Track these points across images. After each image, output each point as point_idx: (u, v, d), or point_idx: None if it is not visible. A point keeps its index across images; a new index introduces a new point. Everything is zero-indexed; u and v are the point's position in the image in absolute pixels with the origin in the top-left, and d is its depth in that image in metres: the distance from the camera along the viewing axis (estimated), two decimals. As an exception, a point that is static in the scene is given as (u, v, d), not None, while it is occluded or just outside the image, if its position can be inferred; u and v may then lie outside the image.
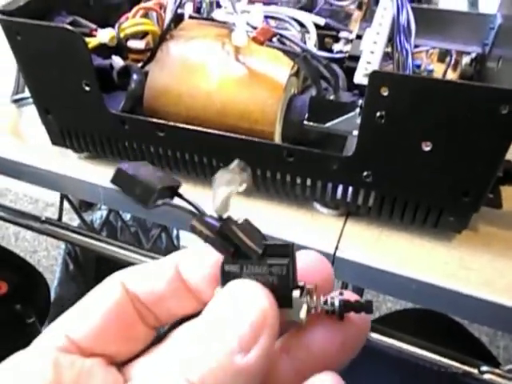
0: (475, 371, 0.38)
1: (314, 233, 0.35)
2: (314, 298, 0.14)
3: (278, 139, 0.34)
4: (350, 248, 0.33)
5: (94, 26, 0.36)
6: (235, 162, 0.15)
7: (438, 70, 0.43)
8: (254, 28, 0.32)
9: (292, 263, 0.14)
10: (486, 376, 0.37)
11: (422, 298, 0.33)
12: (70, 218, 1.12)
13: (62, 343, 0.13)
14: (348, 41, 0.37)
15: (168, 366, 0.12)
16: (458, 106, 0.26)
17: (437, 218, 0.31)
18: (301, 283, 0.14)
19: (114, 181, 0.15)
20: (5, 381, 0.12)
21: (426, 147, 0.28)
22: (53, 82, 0.35)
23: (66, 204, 0.62)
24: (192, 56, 0.34)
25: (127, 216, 1.04)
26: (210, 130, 0.33)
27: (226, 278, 0.14)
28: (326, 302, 0.14)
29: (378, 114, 0.27)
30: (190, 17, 0.40)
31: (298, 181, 0.34)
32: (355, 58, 0.33)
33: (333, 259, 0.33)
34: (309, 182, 0.33)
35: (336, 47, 0.37)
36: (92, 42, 0.35)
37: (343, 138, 0.33)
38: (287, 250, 0.14)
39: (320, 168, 0.32)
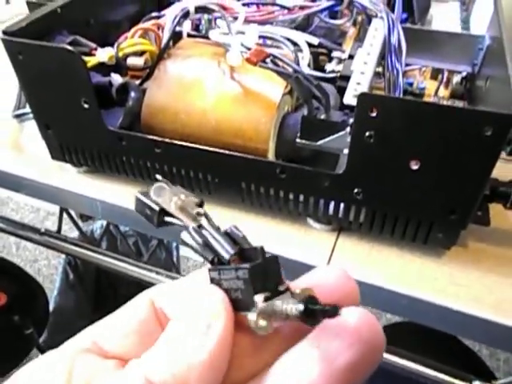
0: (467, 386, 0.38)
1: (306, 247, 0.35)
2: (278, 302, 0.13)
3: (271, 156, 0.35)
4: (341, 263, 0.34)
5: (93, 45, 0.37)
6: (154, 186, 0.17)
7: (430, 88, 0.44)
8: (249, 48, 0.33)
9: (258, 266, 0.14)
10: (478, 391, 0.38)
11: (413, 313, 0.34)
12: (71, 228, 1.13)
13: (87, 346, 0.14)
14: (340, 60, 0.38)
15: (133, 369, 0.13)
16: (444, 128, 0.27)
17: (426, 234, 0.32)
18: (283, 287, 0.14)
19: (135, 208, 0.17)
20: (24, 373, 0.14)
21: (414, 166, 0.29)
22: (53, 99, 0.36)
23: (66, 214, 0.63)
24: (188, 74, 0.35)
25: (126, 227, 1.04)
26: (205, 147, 0.34)
27: (211, 283, 0.15)
28: (287, 309, 0.13)
29: (367, 133, 0.28)
30: (189, 35, 0.41)
31: (291, 197, 0.34)
32: (346, 78, 0.34)
33: (325, 274, 0.34)
34: (301, 198, 0.34)
35: (329, 67, 0.38)
36: (92, 61, 0.36)
37: (335, 156, 0.34)
38: (257, 254, 0.15)
39: (312, 185, 0.33)
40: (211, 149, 0.34)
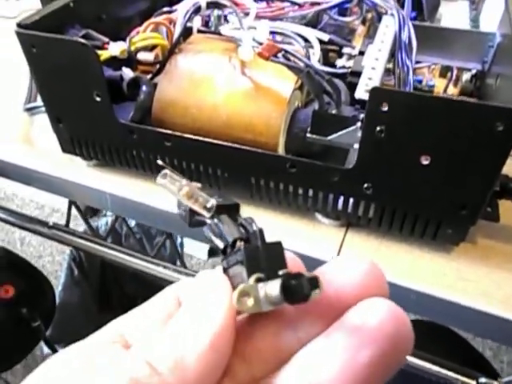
0: (473, 382, 0.38)
1: (315, 243, 0.35)
2: (269, 284, 0.13)
3: (281, 151, 0.35)
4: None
5: (106, 39, 0.37)
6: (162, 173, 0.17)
7: (439, 85, 0.44)
8: (260, 43, 0.33)
9: (255, 247, 0.14)
10: (484, 388, 0.38)
11: (421, 309, 0.34)
12: (76, 224, 1.13)
13: (113, 339, 0.14)
14: (351, 56, 0.38)
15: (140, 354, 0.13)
16: (456, 123, 0.27)
17: (435, 230, 0.32)
18: (283, 271, 0.14)
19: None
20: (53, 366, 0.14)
21: (425, 161, 0.29)
22: (65, 92, 0.36)
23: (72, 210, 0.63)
24: (199, 69, 0.36)
25: (132, 223, 1.05)
26: (215, 141, 0.34)
27: (224, 272, 0.15)
28: (269, 288, 0.13)
29: (378, 128, 0.28)
30: (199, 31, 0.41)
31: (300, 191, 0.35)
32: (357, 74, 0.34)
33: (333, 269, 0.34)
34: (311, 192, 0.34)
35: (339, 62, 0.38)
36: (103, 55, 0.36)
37: (345, 151, 0.34)
38: (256, 237, 0.15)
39: (322, 179, 0.33)
40: (221, 143, 0.34)
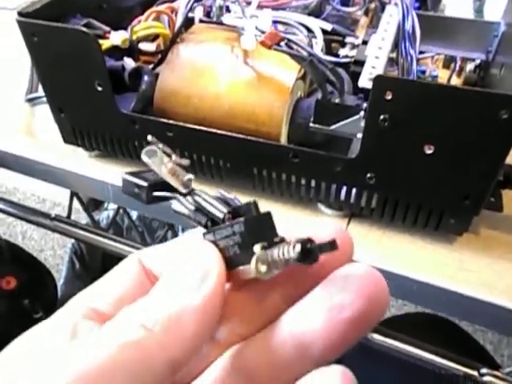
0: (475, 373, 0.38)
1: (317, 233, 0.35)
2: (275, 250, 0.14)
3: (284, 141, 0.35)
4: (352, 248, 0.34)
5: (107, 29, 0.37)
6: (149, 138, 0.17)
7: (442, 76, 0.44)
8: (263, 32, 0.33)
9: (253, 219, 0.14)
10: (486, 378, 0.38)
11: (423, 299, 0.34)
12: (78, 217, 1.13)
13: (83, 312, 0.14)
14: (354, 46, 0.38)
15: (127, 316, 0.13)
16: (460, 111, 0.27)
17: (438, 220, 0.32)
18: (277, 238, 0.14)
19: (123, 190, 0.17)
20: (21, 345, 0.13)
21: (428, 150, 0.29)
22: (67, 81, 0.36)
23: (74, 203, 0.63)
24: (201, 59, 0.35)
25: (133, 216, 1.05)
26: (217, 131, 0.34)
27: None
28: (283, 254, 0.13)
29: (382, 117, 0.28)
30: (201, 21, 0.41)
31: (303, 182, 0.34)
32: (360, 63, 0.33)
33: (335, 259, 0.34)
34: (313, 183, 0.34)
35: (342, 52, 0.38)
36: (105, 44, 0.36)
37: (348, 141, 0.34)
38: (249, 208, 0.15)
39: (324, 169, 0.33)
40: (224, 132, 0.34)
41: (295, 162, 0.33)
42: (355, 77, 0.33)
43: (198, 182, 0.43)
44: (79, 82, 0.36)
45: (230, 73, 0.34)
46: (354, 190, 0.33)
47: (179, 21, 0.37)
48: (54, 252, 1.40)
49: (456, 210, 0.31)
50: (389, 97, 0.27)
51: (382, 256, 0.34)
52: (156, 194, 0.17)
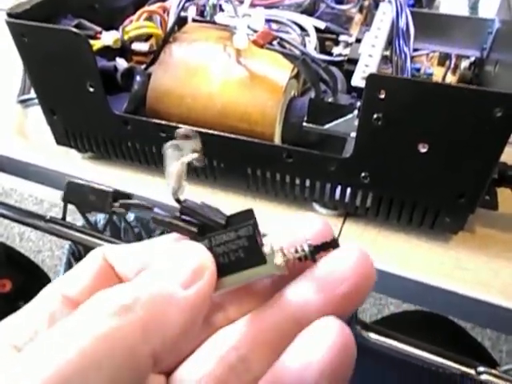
0: (472, 372, 0.38)
1: (312, 233, 0.35)
2: (285, 251, 0.15)
3: (277, 140, 0.34)
4: (348, 248, 0.34)
5: (98, 29, 0.37)
6: (181, 131, 0.16)
7: (437, 74, 0.44)
8: (255, 31, 0.33)
9: (256, 223, 0.15)
10: (483, 377, 0.38)
11: (419, 298, 0.34)
12: (74, 219, 1.13)
13: (58, 300, 0.14)
14: (347, 44, 0.38)
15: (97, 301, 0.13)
16: (454, 109, 0.26)
17: (433, 218, 0.32)
18: (267, 245, 0.15)
19: (65, 198, 0.16)
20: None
21: (423, 149, 0.29)
22: (58, 83, 0.36)
23: (70, 205, 0.63)
24: (194, 58, 0.35)
25: (131, 217, 1.04)
26: (210, 131, 0.34)
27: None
28: (296, 251, 0.15)
29: (375, 116, 0.28)
30: (193, 20, 0.41)
31: (298, 181, 0.34)
32: (354, 61, 0.33)
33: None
34: (308, 182, 0.34)
35: (336, 50, 0.37)
36: (97, 45, 0.35)
37: (342, 140, 0.34)
38: (249, 215, 0.15)
39: (319, 169, 0.32)
40: (217, 133, 0.34)
41: (289, 162, 0.33)
42: (349, 75, 0.33)
43: (191, 182, 0.42)
44: (71, 83, 0.35)
45: (223, 72, 0.34)
46: (348, 190, 0.33)
47: (171, 20, 0.37)
48: (51, 253, 1.40)
49: (451, 209, 0.31)
50: (382, 95, 0.27)
51: (378, 255, 0.33)
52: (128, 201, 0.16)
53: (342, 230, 0.35)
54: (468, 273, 0.32)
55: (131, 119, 0.35)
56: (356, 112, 0.30)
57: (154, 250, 0.16)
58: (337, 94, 0.33)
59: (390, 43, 0.37)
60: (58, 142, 0.41)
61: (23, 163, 0.42)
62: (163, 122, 0.35)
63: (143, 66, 0.37)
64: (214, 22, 0.38)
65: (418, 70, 0.43)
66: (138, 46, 0.38)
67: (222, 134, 0.33)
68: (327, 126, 0.31)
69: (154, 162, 0.38)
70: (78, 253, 1.03)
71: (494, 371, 0.37)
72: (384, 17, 0.37)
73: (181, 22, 0.39)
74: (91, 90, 0.35)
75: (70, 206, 0.67)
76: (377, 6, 0.39)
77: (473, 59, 0.40)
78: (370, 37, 0.34)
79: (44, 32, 0.33)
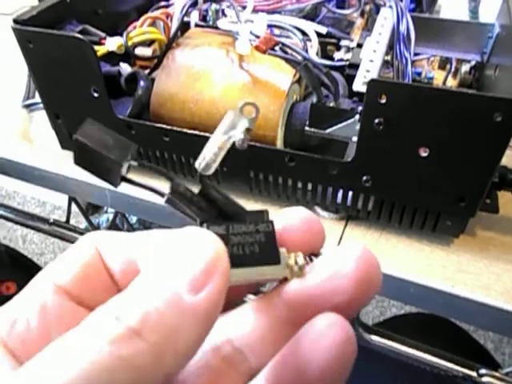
0: (474, 374, 0.38)
1: (314, 236, 0.35)
2: (292, 254, 0.14)
3: (279, 144, 0.35)
4: (349, 251, 0.34)
5: (103, 35, 0.37)
6: (244, 102, 0.15)
7: (438, 77, 0.44)
8: (257, 37, 0.33)
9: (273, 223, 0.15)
10: (485, 379, 0.38)
11: (420, 301, 0.34)
12: (77, 221, 1.13)
13: (50, 289, 0.14)
14: (349, 49, 0.38)
15: (104, 309, 0.11)
16: (454, 114, 0.27)
17: (435, 222, 0.32)
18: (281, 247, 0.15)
19: (78, 136, 0.14)
20: None
21: (424, 153, 0.29)
22: (63, 88, 0.36)
23: (73, 207, 0.63)
24: (197, 63, 0.36)
25: (133, 219, 1.05)
26: (213, 136, 0.34)
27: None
28: (305, 258, 0.15)
29: (377, 120, 0.28)
30: (196, 25, 0.41)
31: (300, 185, 0.34)
32: (355, 66, 0.34)
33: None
34: (310, 186, 0.34)
35: (337, 55, 0.38)
36: (101, 50, 0.36)
37: (344, 144, 0.34)
38: (263, 215, 0.15)
39: (321, 173, 0.33)
40: (220, 137, 0.34)
41: (291, 166, 0.33)
42: (350, 80, 0.33)
43: (194, 186, 0.43)
44: (75, 88, 0.36)
45: (226, 77, 0.34)
46: (350, 193, 0.33)
47: (174, 26, 0.37)
48: (54, 255, 1.40)
49: (452, 212, 0.31)
50: (383, 100, 0.27)
51: (379, 258, 0.33)
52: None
53: (344, 233, 0.36)
54: (469, 276, 0.32)
55: (135, 123, 0.36)
56: (357, 116, 0.30)
57: (148, 243, 0.15)
58: (338, 98, 0.33)
59: (391, 48, 0.37)
60: (63, 146, 0.41)
61: (28, 167, 0.43)
62: (166, 127, 0.35)
63: (147, 71, 0.38)
64: (216, 28, 0.38)
65: (419, 74, 0.43)
66: (142, 51, 0.39)
67: (224, 138, 0.34)
68: (329, 131, 0.32)
69: (157, 164, 0.38)
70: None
71: (495, 373, 0.37)
72: (385, 22, 0.37)
73: (184, 27, 0.39)
74: (95, 94, 0.35)
75: (74, 209, 0.68)
76: (378, 11, 0.40)
77: (473, 63, 0.40)
78: (371, 42, 0.35)
79: (49, 38, 0.33)
